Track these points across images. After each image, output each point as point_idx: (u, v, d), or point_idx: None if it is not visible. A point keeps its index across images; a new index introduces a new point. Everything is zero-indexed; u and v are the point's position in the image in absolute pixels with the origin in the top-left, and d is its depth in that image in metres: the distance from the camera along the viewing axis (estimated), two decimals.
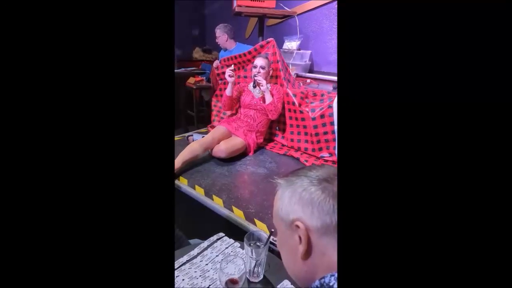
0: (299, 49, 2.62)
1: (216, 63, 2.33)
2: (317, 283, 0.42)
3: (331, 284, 0.40)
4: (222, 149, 1.69)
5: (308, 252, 0.44)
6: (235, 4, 2.20)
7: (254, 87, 1.89)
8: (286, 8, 2.45)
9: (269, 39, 2.04)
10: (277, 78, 2.03)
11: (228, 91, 1.93)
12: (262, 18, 2.45)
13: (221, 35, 2.51)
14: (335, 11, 2.54)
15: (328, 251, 0.43)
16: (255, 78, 1.83)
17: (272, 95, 1.85)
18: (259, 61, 1.88)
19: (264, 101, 1.86)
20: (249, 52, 2.08)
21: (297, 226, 0.44)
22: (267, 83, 1.85)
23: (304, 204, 0.44)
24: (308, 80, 2.44)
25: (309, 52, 2.64)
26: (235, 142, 1.78)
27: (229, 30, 2.51)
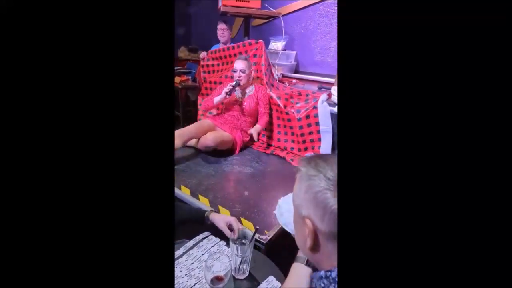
0: (284, 50, 2.65)
1: (203, 54, 2.35)
2: (322, 273, 0.44)
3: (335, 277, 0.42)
4: (210, 138, 1.69)
5: (314, 248, 0.45)
6: (220, 4, 2.20)
7: (229, 94, 1.81)
8: (271, 9, 2.47)
9: (258, 41, 2.07)
10: (262, 81, 2.05)
11: (216, 100, 1.86)
12: (247, 18, 2.45)
13: (228, 30, 2.54)
14: (319, 12, 2.58)
15: (333, 255, 0.43)
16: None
17: (258, 99, 1.87)
18: (239, 65, 1.85)
19: (248, 105, 1.88)
20: (238, 46, 2.11)
21: (306, 223, 0.45)
22: (250, 85, 1.86)
23: (317, 206, 0.44)
24: (294, 81, 2.47)
25: (294, 52, 2.67)
26: (223, 134, 1.79)
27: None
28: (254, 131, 1.79)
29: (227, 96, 1.81)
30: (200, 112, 2.34)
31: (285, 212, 0.71)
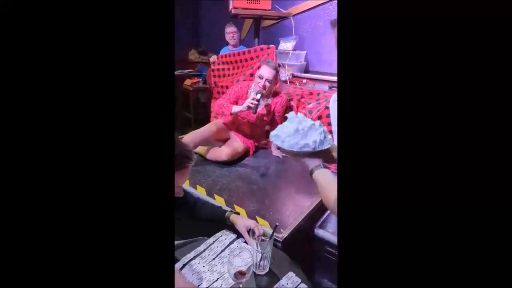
0: (294, 50, 2.66)
1: (213, 58, 2.36)
2: None
3: None
4: (224, 153, 1.66)
5: None
6: (231, 6, 2.22)
7: (254, 112, 1.63)
8: (281, 10, 2.48)
9: (270, 46, 2.04)
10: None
11: (234, 110, 1.66)
12: (258, 19, 2.47)
13: (238, 32, 2.60)
14: (329, 11, 2.58)
15: None
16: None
17: (274, 110, 1.81)
18: (266, 72, 1.64)
19: (261, 116, 1.81)
20: (249, 51, 2.10)
21: None
22: (269, 97, 1.78)
23: None
24: (304, 80, 2.48)
25: (304, 52, 2.67)
26: (237, 147, 1.74)
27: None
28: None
29: (252, 112, 1.62)
30: (212, 114, 2.37)
31: (286, 137, 0.70)
